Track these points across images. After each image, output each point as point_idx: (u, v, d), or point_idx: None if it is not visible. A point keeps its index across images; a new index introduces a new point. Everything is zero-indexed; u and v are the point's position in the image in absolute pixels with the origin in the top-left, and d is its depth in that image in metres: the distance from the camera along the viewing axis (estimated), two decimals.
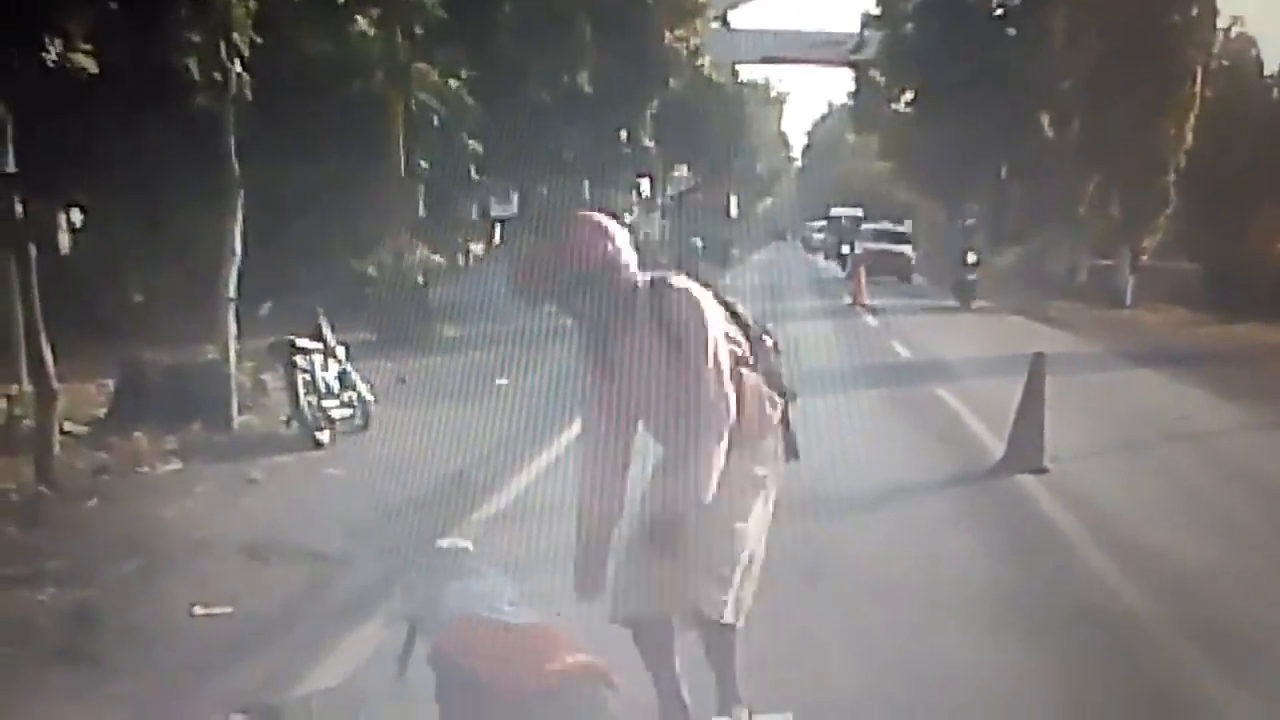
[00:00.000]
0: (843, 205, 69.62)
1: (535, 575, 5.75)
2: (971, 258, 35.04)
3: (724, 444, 4.91)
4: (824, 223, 74.03)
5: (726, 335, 5.07)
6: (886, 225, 51.62)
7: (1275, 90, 38.74)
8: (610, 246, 5.02)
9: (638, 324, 4.98)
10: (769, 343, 5.32)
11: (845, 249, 52.29)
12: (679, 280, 5.05)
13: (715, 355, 4.92)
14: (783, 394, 5.25)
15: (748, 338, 5.21)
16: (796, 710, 5.65)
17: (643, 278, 5.05)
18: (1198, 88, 35.58)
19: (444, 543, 5.18)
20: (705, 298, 5.04)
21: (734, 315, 5.23)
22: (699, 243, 49.81)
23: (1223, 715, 6.34)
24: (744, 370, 5.09)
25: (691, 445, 4.88)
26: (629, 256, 5.05)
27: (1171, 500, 11.37)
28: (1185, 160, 35.57)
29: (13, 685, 6.30)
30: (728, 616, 5.12)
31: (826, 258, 64.81)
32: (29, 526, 9.31)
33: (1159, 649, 7.22)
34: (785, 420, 5.26)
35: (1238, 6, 50.03)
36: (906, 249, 47.99)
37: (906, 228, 52.48)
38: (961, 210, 50.50)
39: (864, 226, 52.09)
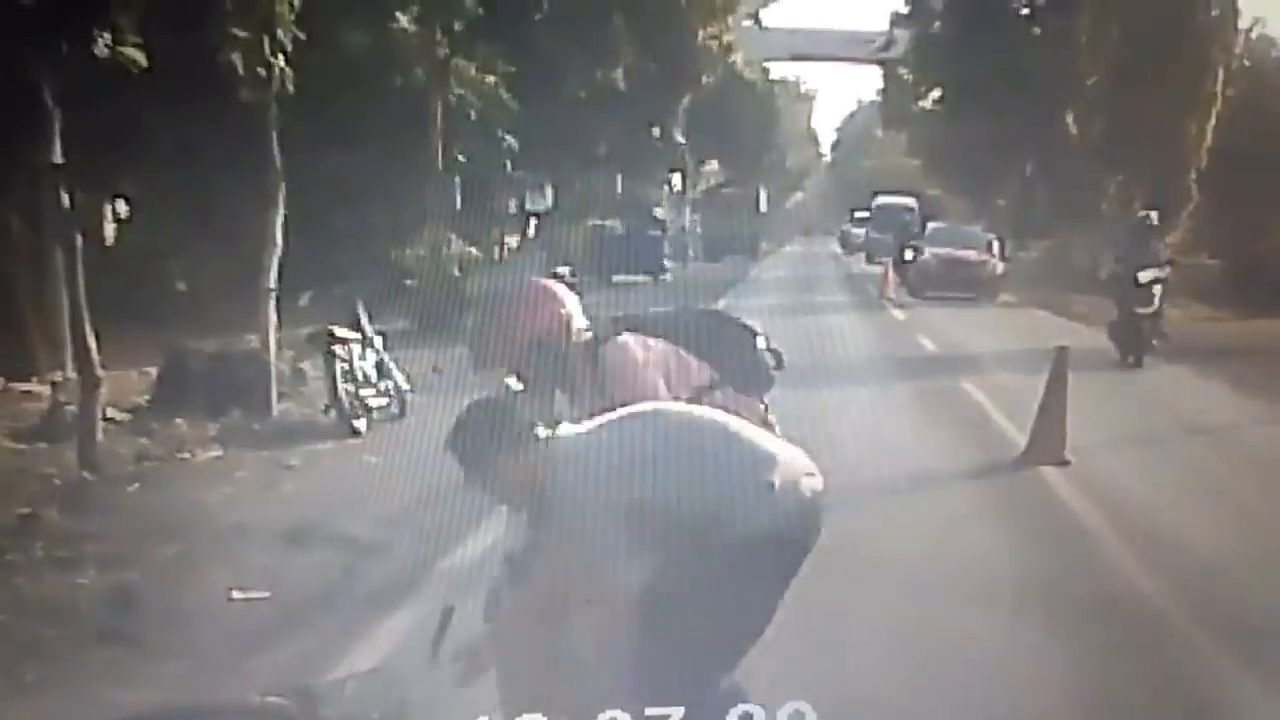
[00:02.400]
0: (888, 193, 58.31)
1: None
2: (1147, 275, 20.44)
3: None
4: (867, 215, 59.80)
5: (678, 372, 4.98)
6: (969, 229, 41.05)
7: None
8: (560, 312, 5.03)
9: (581, 383, 4.99)
10: (763, 350, 5.19)
11: (909, 254, 39.00)
12: (618, 340, 5.00)
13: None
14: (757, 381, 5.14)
15: (720, 357, 5.07)
16: (813, 701, 5.80)
17: (589, 336, 5.05)
18: (1219, 87, 35.47)
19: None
20: (642, 352, 4.96)
21: (705, 335, 5.12)
22: (699, 230, 50.10)
23: (1237, 702, 6.45)
24: (714, 393, 4.96)
25: None
26: (578, 320, 5.05)
27: (1190, 493, 11.42)
28: (1207, 158, 35.47)
29: (54, 667, 6.42)
30: None
31: (871, 260, 48.09)
32: (71, 511, 9.40)
33: (1176, 636, 7.35)
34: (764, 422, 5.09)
35: (1260, 7, 49.45)
36: (991, 259, 36.72)
37: (988, 231, 40.45)
38: (987, 205, 48.63)
39: (932, 226, 40.78)
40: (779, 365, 5.19)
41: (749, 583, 4.32)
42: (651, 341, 5.01)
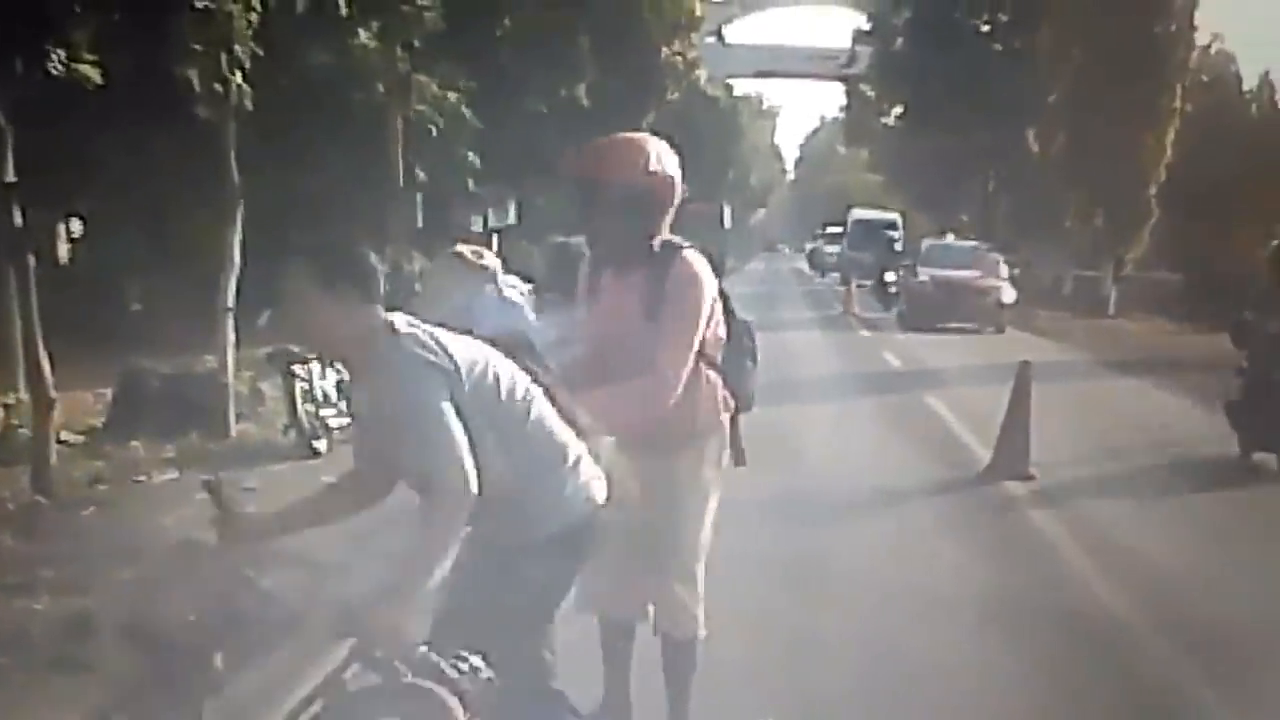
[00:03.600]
0: (865, 208, 57.11)
1: None
2: None
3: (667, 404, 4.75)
4: (840, 230, 57.28)
5: (715, 319, 4.92)
6: (969, 243, 36.68)
7: (1253, 105, 39.22)
8: (664, 171, 4.82)
9: (637, 270, 4.84)
10: (748, 345, 5.20)
11: (890, 276, 35.87)
12: (695, 253, 4.89)
13: (690, 329, 4.76)
14: (740, 399, 5.12)
15: (728, 336, 5.04)
16: (782, 714, 5.78)
17: (666, 235, 4.90)
18: (1178, 103, 35.93)
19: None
20: (710, 279, 4.87)
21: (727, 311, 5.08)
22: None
23: (1202, 713, 6.46)
24: (711, 372, 4.94)
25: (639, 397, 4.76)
26: (678, 180, 4.86)
27: (1151, 507, 11.47)
28: (1166, 173, 35.90)
29: (8, 694, 6.30)
30: (700, 631, 5.15)
31: (845, 283, 39.93)
32: (25, 536, 9.23)
33: (1138, 649, 7.36)
34: (734, 424, 5.14)
35: (1217, 24, 49.91)
36: (999, 283, 31.23)
37: (993, 250, 34.62)
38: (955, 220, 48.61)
39: (928, 244, 35.62)
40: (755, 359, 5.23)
41: (535, 561, 4.19)
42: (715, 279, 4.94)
